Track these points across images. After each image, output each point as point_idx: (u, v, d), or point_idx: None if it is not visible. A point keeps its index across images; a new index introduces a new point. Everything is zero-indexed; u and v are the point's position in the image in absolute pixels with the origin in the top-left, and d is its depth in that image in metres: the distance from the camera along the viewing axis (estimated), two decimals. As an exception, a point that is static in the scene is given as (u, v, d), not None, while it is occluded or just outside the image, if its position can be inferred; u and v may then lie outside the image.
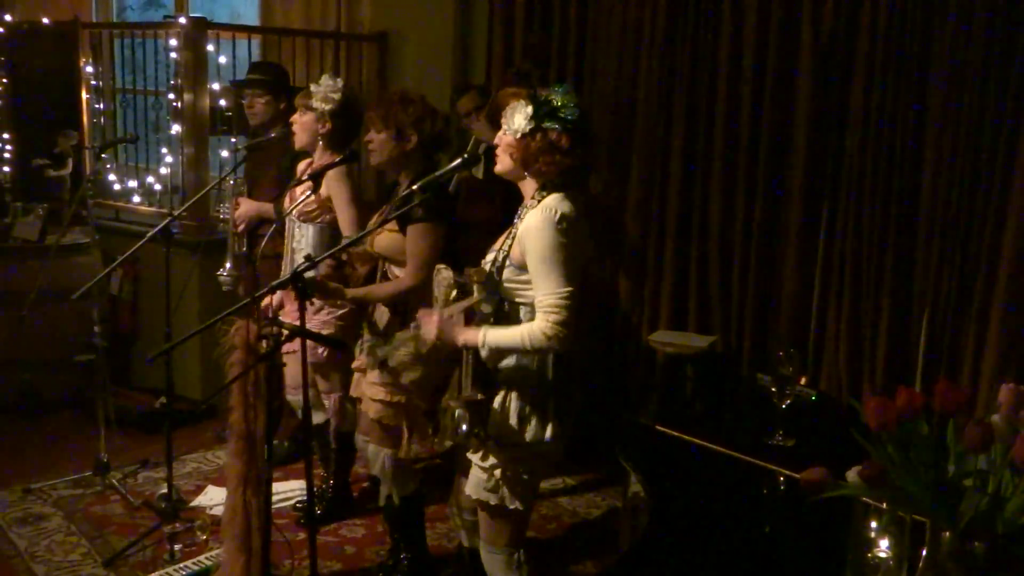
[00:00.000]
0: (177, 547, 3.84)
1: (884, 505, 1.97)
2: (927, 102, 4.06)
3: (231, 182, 4.50)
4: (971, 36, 3.89)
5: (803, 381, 3.84)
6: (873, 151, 4.22)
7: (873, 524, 2.00)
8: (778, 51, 4.49)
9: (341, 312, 3.92)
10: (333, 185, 3.83)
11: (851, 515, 2.06)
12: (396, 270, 3.43)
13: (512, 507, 2.75)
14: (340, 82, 3.97)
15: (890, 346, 4.22)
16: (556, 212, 2.60)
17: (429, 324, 2.71)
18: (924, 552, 1.91)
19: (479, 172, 4.88)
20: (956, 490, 1.84)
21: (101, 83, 6.29)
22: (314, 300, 3.72)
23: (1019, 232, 3.79)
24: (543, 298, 2.58)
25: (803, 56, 4.41)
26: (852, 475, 1.93)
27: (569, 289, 2.58)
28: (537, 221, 2.60)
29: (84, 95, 6.10)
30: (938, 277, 4.06)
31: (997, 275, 3.87)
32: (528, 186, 2.74)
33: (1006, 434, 1.84)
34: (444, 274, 2.81)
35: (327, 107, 3.91)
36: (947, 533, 1.85)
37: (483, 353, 2.65)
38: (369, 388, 3.49)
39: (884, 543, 1.99)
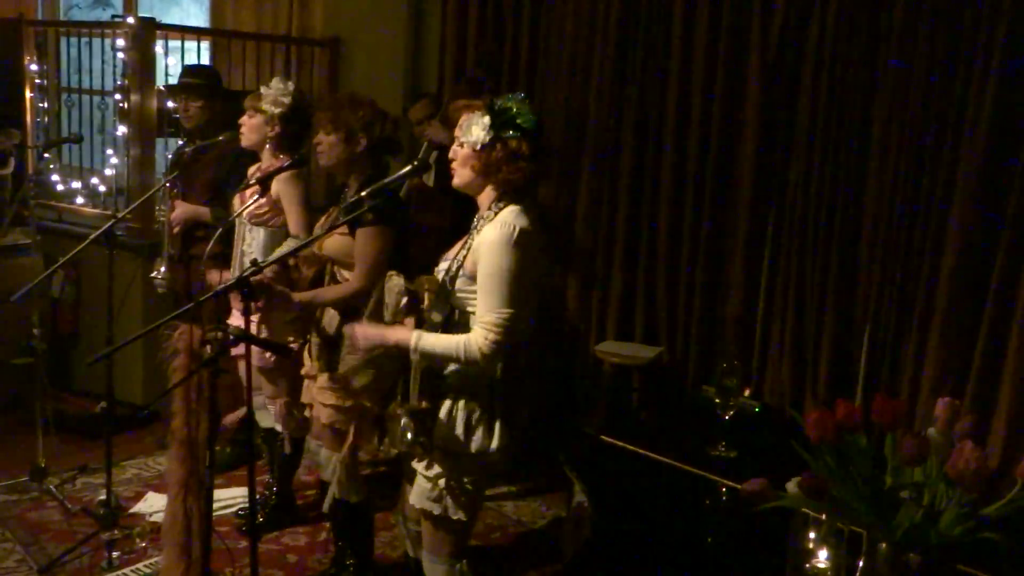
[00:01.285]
0: (115, 554, 3.78)
1: (823, 516, 1.99)
2: (871, 123, 4.14)
3: (166, 184, 4.46)
4: (913, 58, 3.97)
5: (747, 393, 3.89)
6: (818, 168, 4.29)
7: (812, 535, 2.03)
8: (726, 68, 4.55)
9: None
10: (283, 186, 3.80)
11: (791, 525, 2.09)
12: (345, 273, 3.41)
13: (455, 517, 2.74)
14: (291, 85, 3.94)
15: (832, 360, 4.29)
16: (515, 228, 2.58)
17: (354, 338, 2.75)
18: (861, 562, 1.94)
19: (430, 179, 4.89)
20: (893, 502, 1.87)
21: (46, 82, 6.18)
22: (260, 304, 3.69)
23: (959, 250, 3.87)
24: (484, 313, 2.57)
25: (751, 73, 4.47)
26: (792, 486, 1.96)
27: (511, 311, 2.56)
28: (494, 237, 2.59)
29: (28, 93, 6.00)
30: (880, 293, 4.14)
31: (936, 293, 3.95)
32: (485, 197, 2.73)
33: (942, 447, 1.88)
34: (395, 281, 2.80)
35: (277, 110, 3.88)
36: (884, 544, 1.88)
37: (413, 357, 2.65)
38: (320, 393, 3.46)
39: (823, 553, 2.02)
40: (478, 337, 2.56)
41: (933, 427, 1.95)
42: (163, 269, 4.25)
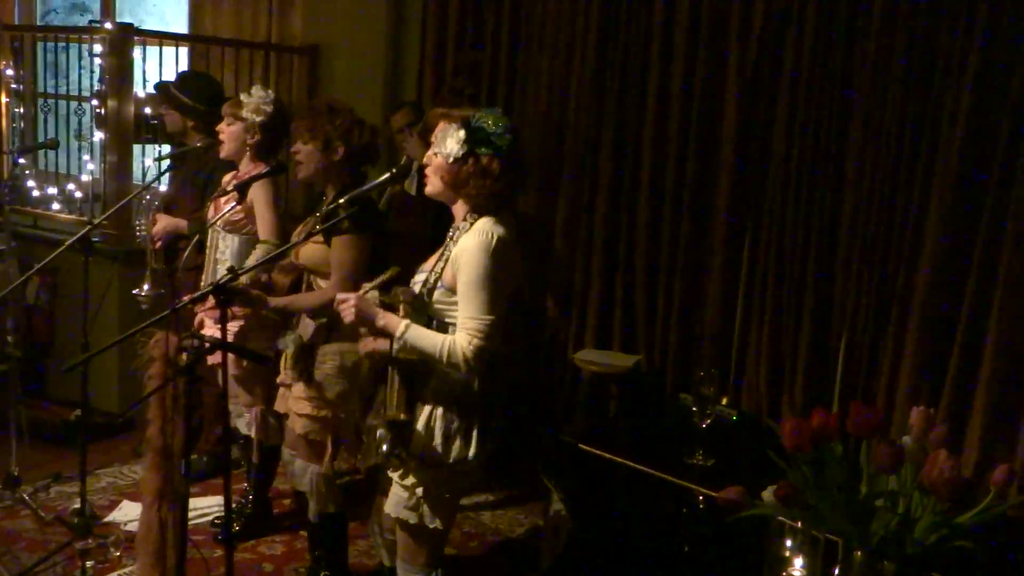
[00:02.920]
0: (89, 564, 3.74)
1: (799, 524, 2.00)
2: (848, 132, 4.17)
3: (147, 197, 4.41)
4: (889, 69, 4.01)
5: (724, 401, 3.90)
6: (795, 177, 4.32)
7: (788, 543, 2.04)
8: (705, 77, 4.57)
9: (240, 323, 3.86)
10: (256, 190, 3.78)
11: (767, 533, 2.09)
12: (321, 282, 3.40)
13: (432, 526, 2.74)
14: (271, 94, 3.93)
15: (809, 368, 4.31)
16: (492, 236, 2.60)
17: (347, 306, 2.68)
18: (837, 570, 1.95)
19: (411, 187, 4.88)
20: (868, 510, 1.88)
21: (22, 87, 6.13)
22: (235, 310, 3.67)
23: (934, 260, 3.91)
24: (467, 320, 2.58)
25: (729, 84, 4.50)
26: (768, 494, 1.96)
27: (493, 317, 2.58)
28: (472, 244, 2.60)
29: (3, 99, 5.95)
30: (856, 302, 4.17)
31: (912, 302, 3.98)
32: (460, 207, 2.74)
33: (916, 456, 1.89)
34: (370, 294, 2.80)
35: (258, 118, 3.86)
36: (859, 552, 1.89)
37: (396, 345, 2.64)
38: (295, 403, 3.45)
39: (799, 562, 2.03)
40: (463, 342, 2.57)
41: (908, 436, 1.97)
42: (146, 287, 4.20)
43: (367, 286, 2.83)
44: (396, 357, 2.67)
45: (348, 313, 2.68)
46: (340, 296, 2.73)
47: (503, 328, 2.61)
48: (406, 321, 2.63)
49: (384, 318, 2.65)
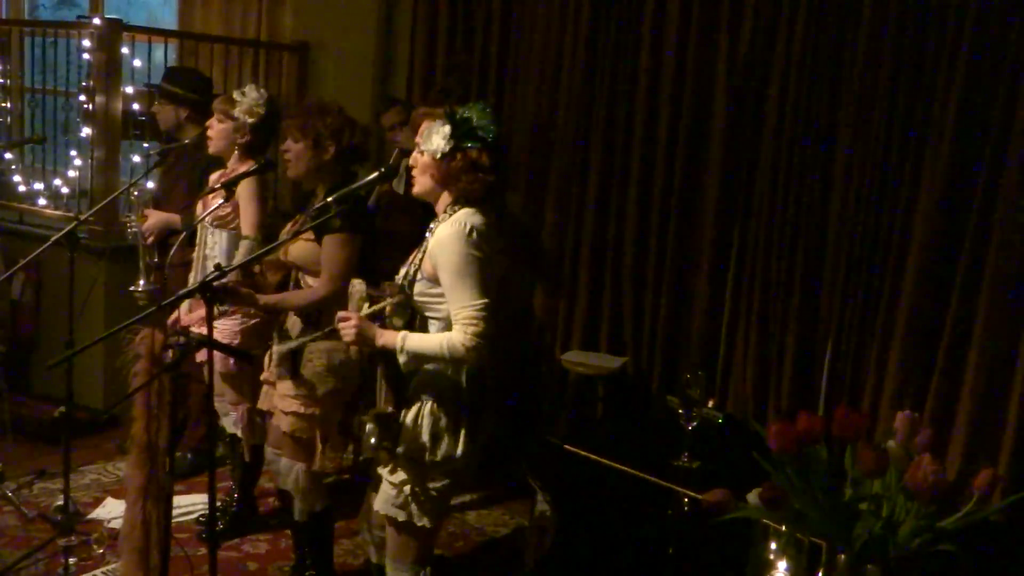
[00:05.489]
0: (72, 560, 3.72)
1: (783, 527, 2.01)
2: (835, 141, 4.18)
3: (136, 193, 4.39)
4: (878, 75, 4.03)
5: (711, 404, 3.91)
6: (784, 181, 4.33)
7: (773, 545, 2.04)
8: (695, 79, 4.59)
9: (252, 322, 3.86)
10: (242, 185, 3.75)
11: (752, 536, 2.10)
12: (310, 279, 3.39)
13: (420, 523, 2.74)
14: (264, 93, 3.91)
15: (795, 371, 4.32)
16: (467, 225, 2.61)
17: (348, 326, 2.68)
18: (820, 574, 1.95)
19: (399, 186, 4.87)
20: (852, 513, 1.89)
21: (9, 81, 6.11)
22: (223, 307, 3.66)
23: (920, 265, 3.93)
24: (459, 310, 2.58)
25: (718, 85, 4.51)
26: (753, 497, 1.97)
27: (485, 300, 2.58)
28: (448, 234, 2.61)
29: (-10, 93, 5.93)
30: (842, 306, 4.18)
31: (898, 307, 4.00)
32: (441, 202, 2.75)
33: (900, 460, 1.89)
34: (357, 287, 2.80)
35: (250, 120, 3.84)
36: (843, 555, 1.90)
37: (401, 359, 2.64)
38: (281, 400, 3.43)
39: (783, 564, 2.03)
40: (458, 334, 2.57)
41: (892, 440, 1.97)
42: (142, 282, 4.19)
43: (355, 281, 2.82)
44: (383, 352, 2.67)
45: (349, 334, 2.67)
46: (342, 315, 2.72)
47: (496, 306, 2.60)
48: (403, 333, 2.64)
49: (382, 336, 2.65)
